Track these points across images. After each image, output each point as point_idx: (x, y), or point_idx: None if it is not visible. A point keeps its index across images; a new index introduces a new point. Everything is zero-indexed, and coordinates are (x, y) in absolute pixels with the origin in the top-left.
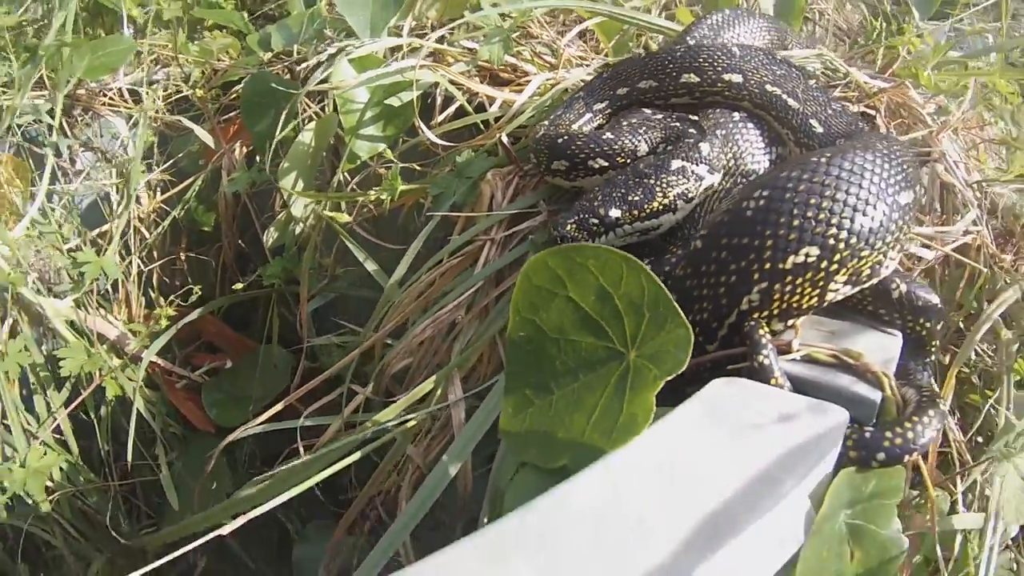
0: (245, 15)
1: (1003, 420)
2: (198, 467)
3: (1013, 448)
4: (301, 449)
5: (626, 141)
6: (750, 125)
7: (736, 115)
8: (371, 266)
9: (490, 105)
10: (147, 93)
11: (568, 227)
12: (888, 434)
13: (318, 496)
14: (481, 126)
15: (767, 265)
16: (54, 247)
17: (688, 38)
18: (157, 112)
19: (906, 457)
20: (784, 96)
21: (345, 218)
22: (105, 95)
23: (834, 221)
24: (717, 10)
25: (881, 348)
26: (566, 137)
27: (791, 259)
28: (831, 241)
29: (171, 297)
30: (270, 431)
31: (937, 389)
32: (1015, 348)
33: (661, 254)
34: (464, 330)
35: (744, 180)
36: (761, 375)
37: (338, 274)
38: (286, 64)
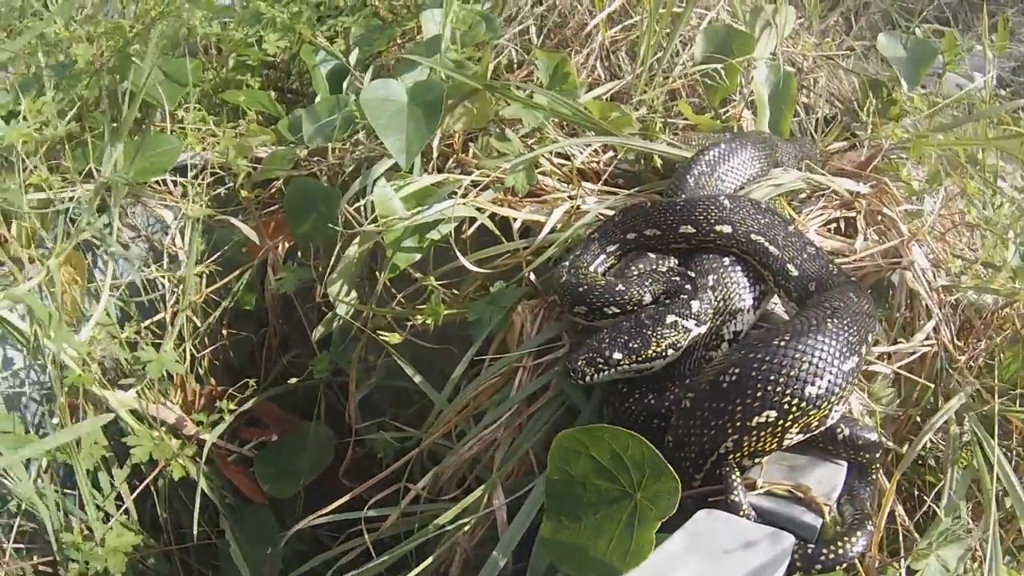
0: (272, 94)
1: (945, 502)
2: (252, 533)
3: (942, 541)
4: (366, 534)
5: (634, 293)
6: (738, 268)
7: (726, 260)
8: (421, 381)
9: (514, 221)
10: (192, 187)
11: (579, 363)
12: (825, 550)
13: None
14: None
15: (738, 423)
16: (115, 339)
17: (688, 176)
18: (201, 206)
19: (838, 567)
20: (766, 244)
21: (396, 339)
22: (150, 185)
23: (788, 392)
24: (713, 144)
25: (828, 478)
26: (586, 287)
27: (756, 419)
28: (786, 406)
29: (229, 390)
30: (317, 497)
31: (871, 507)
32: (962, 441)
33: (661, 389)
34: (502, 444)
35: (731, 318)
36: (733, 509)
37: (377, 365)
38: (323, 165)
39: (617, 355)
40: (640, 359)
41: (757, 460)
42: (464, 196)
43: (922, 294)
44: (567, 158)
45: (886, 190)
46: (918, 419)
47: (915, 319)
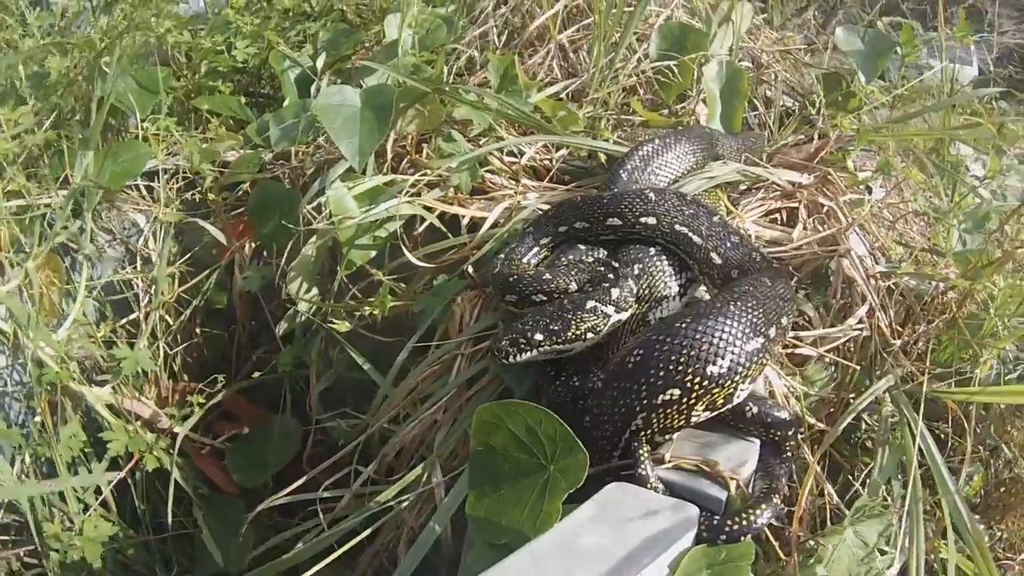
0: (242, 98)
1: (871, 481)
2: (224, 521)
3: (860, 517)
4: (321, 514)
5: (560, 281)
6: (663, 258)
7: (652, 250)
8: (369, 368)
9: (462, 218)
10: (163, 192)
11: (504, 342)
12: (729, 522)
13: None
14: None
15: (644, 401)
16: (91, 339)
17: (621, 171)
18: (172, 210)
19: (743, 537)
20: (690, 234)
21: (345, 327)
22: (123, 190)
23: (690, 370)
24: (648, 140)
25: (738, 454)
26: (516, 276)
27: (660, 397)
28: (688, 384)
29: (199, 385)
30: (284, 486)
31: (784, 483)
32: (891, 421)
33: (586, 372)
34: (443, 425)
35: (657, 304)
36: (640, 482)
37: (335, 358)
38: (287, 168)
39: (538, 336)
40: (560, 341)
41: (668, 436)
42: (418, 195)
43: (858, 280)
44: (519, 156)
45: (830, 180)
46: (851, 401)
47: (851, 305)
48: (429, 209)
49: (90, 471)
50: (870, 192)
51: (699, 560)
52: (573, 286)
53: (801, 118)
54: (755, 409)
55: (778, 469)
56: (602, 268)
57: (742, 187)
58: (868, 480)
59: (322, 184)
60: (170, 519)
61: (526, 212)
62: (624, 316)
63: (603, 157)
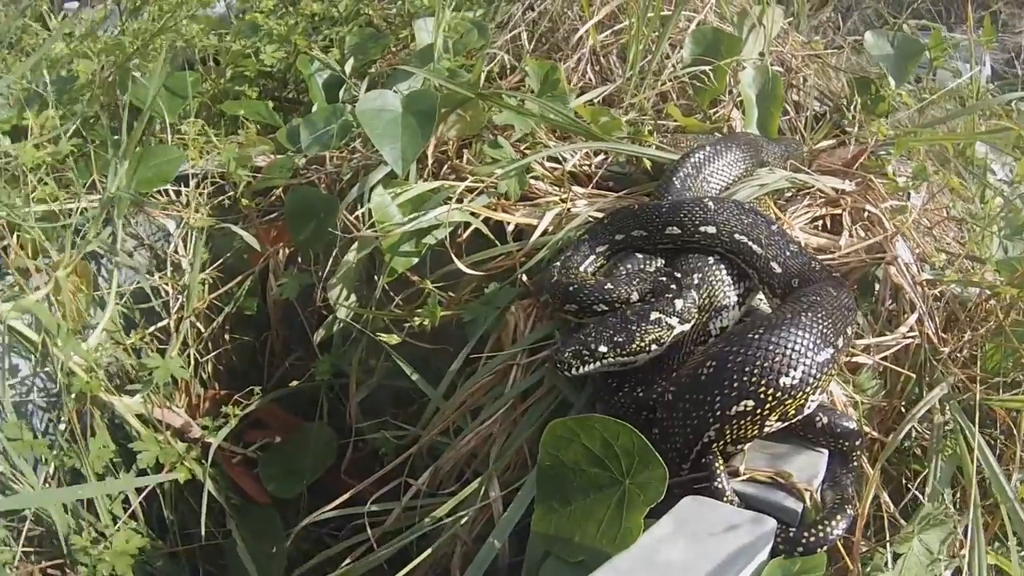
0: (269, 104)
1: (929, 489)
2: (257, 532)
3: (924, 526)
4: (369, 529)
5: (622, 291)
6: (722, 267)
7: (711, 259)
8: (418, 379)
9: (507, 225)
10: (192, 196)
11: (566, 354)
12: (806, 533)
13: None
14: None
15: (718, 413)
16: (121, 346)
17: (674, 178)
18: (203, 215)
19: (819, 549)
20: (750, 243)
21: (394, 340)
22: (152, 195)
23: (763, 382)
24: (698, 147)
25: (809, 465)
26: (575, 286)
27: (734, 408)
28: (762, 395)
29: (233, 394)
30: (320, 496)
31: (852, 493)
32: (945, 430)
33: (649, 383)
34: (498, 438)
35: (717, 314)
36: (716, 495)
37: (378, 367)
38: (322, 173)
39: (602, 348)
40: (624, 352)
41: (740, 448)
42: (459, 201)
43: (905, 288)
44: (559, 162)
45: (871, 187)
46: (903, 409)
47: (899, 312)
48: (475, 215)
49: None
50: (908, 198)
51: (775, 573)
52: (635, 296)
53: (831, 123)
54: (825, 419)
55: (845, 479)
56: (664, 278)
57: (787, 194)
58: (925, 489)
59: (360, 190)
60: (202, 530)
61: (578, 220)
62: (687, 328)
63: (647, 164)
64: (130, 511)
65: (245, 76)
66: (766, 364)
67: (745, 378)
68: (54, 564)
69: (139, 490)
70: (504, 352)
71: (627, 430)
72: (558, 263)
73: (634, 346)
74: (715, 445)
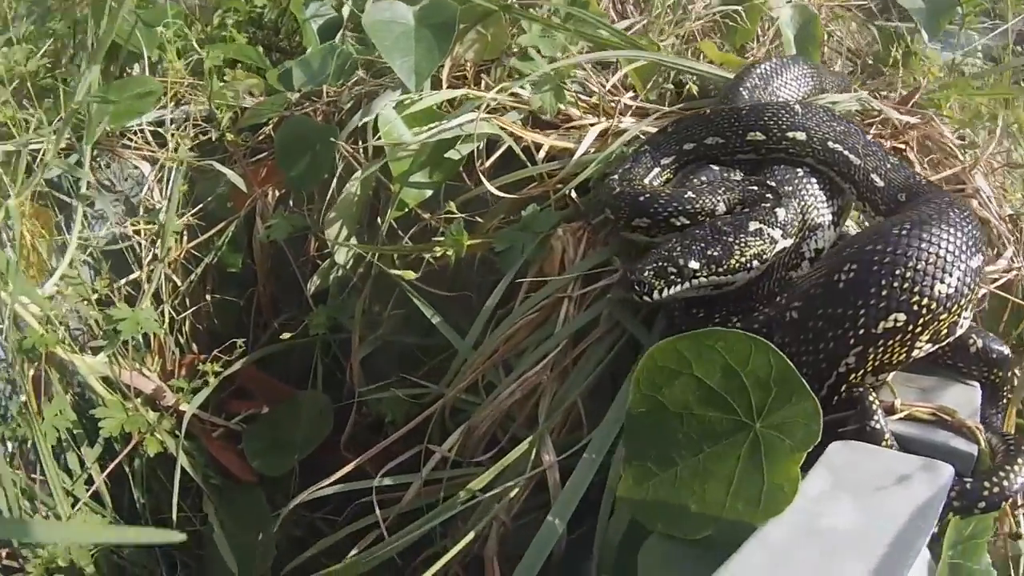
0: (260, 49)
1: None
2: (240, 517)
3: None
4: (379, 512)
5: (707, 201)
6: (813, 180)
7: (800, 171)
8: (440, 323)
9: (536, 151)
10: (172, 135)
11: (646, 273)
12: (986, 484)
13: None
14: (535, 175)
15: (861, 331)
16: (84, 300)
17: (741, 89)
18: (182, 154)
19: (1003, 503)
20: (846, 152)
21: (411, 275)
22: (125, 136)
23: (916, 289)
24: (762, 59)
25: (967, 401)
26: (648, 195)
27: (881, 324)
28: (915, 307)
29: (214, 352)
30: (313, 475)
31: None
32: None
33: (748, 310)
34: (546, 390)
35: (811, 234)
36: (873, 438)
37: (386, 318)
38: (317, 106)
39: (694, 263)
40: (721, 270)
41: (881, 378)
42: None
43: (992, 221)
44: (589, 95)
45: (933, 123)
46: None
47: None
48: (506, 135)
49: (81, 459)
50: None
51: (951, 537)
52: (721, 207)
53: (859, 81)
54: (979, 343)
55: (996, 420)
56: (755, 187)
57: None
58: None
59: (364, 116)
60: (175, 514)
61: (628, 135)
62: (789, 244)
63: (694, 89)
64: (92, 490)
65: (234, 22)
66: (919, 267)
67: (896, 284)
68: (8, 553)
69: (105, 467)
70: (554, 278)
71: (762, 347)
72: (615, 175)
73: (732, 262)
74: (854, 375)
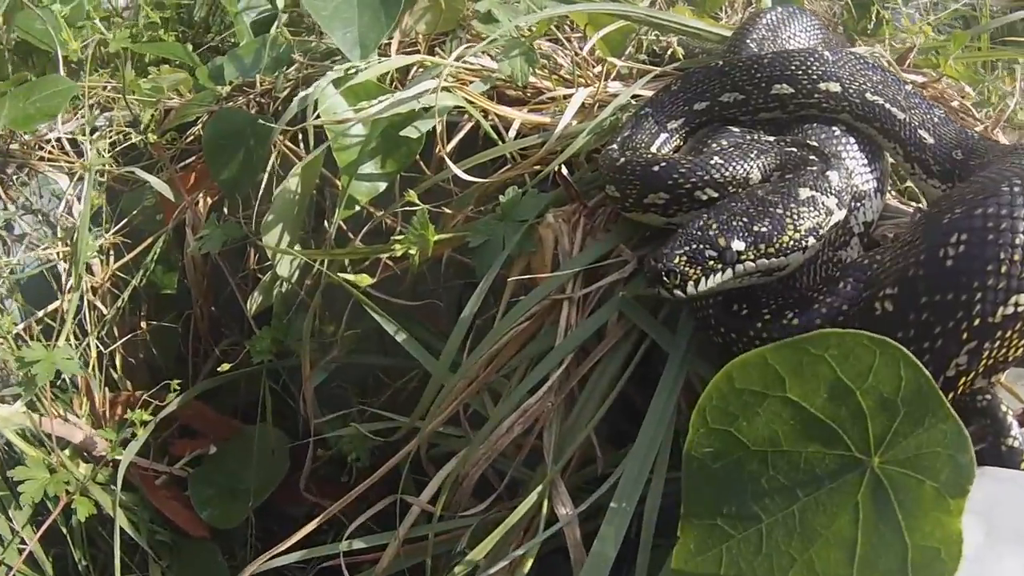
0: (189, 47)
1: None
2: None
3: None
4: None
5: (738, 167)
6: (851, 140)
7: (835, 129)
8: (406, 340)
9: (506, 130)
10: (90, 143)
11: (676, 260)
12: None
13: None
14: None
15: (976, 321)
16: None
17: (748, 40)
18: (104, 165)
19: None
20: (887, 105)
21: (366, 280)
22: (42, 147)
23: None
24: (768, 9)
25: None
26: (664, 164)
27: (1000, 311)
28: None
29: (152, 388)
30: (271, 518)
31: None
32: None
33: (805, 301)
34: (552, 422)
35: (858, 204)
36: (1011, 459)
37: (338, 338)
38: (250, 97)
39: (738, 244)
40: (771, 250)
41: (992, 379)
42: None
43: None
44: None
45: (942, 81)
46: None
47: None
48: (473, 108)
49: (11, 522)
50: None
51: None
52: (756, 175)
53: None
54: None
55: None
56: (793, 148)
57: None
58: None
59: (302, 104)
60: None
61: (620, 100)
62: (843, 216)
63: (680, 52)
64: (25, 554)
65: (160, 20)
66: None
67: (1016, 256)
68: None
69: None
70: (550, 275)
71: (892, 353)
72: (614, 144)
73: (785, 239)
74: (964, 379)
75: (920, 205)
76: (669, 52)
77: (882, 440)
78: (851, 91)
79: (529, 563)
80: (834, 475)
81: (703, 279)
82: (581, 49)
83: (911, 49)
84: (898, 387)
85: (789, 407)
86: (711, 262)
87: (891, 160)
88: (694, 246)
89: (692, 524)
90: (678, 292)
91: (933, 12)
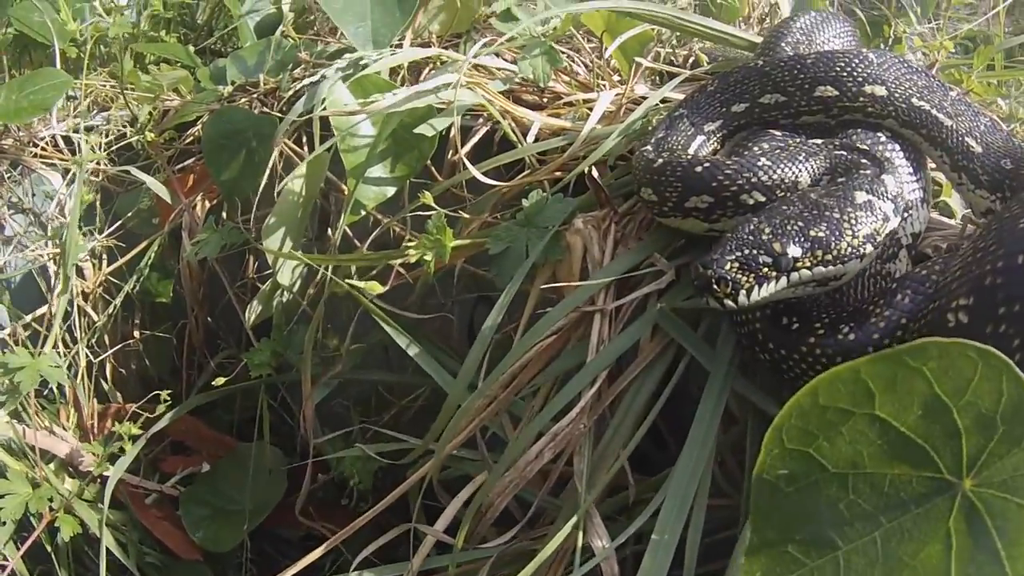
0: (191, 48)
1: None
2: None
3: None
4: None
5: (787, 170)
6: (897, 147)
7: (881, 135)
8: (420, 354)
9: (524, 134)
10: (85, 140)
11: (728, 266)
12: None
13: None
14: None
15: None
16: None
17: (782, 43)
18: (98, 163)
19: None
20: (934, 111)
21: (378, 288)
22: (36, 145)
23: None
24: (800, 13)
25: None
26: (708, 165)
27: None
28: None
29: (142, 400)
30: (266, 540)
31: None
32: None
33: (861, 315)
34: (583, 446)
35: (906, 214)
36: None
37: (343, 351)
38: (253, 97)
39: (794, 250)
40: (829, 257)
41: None
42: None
43: None
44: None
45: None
46: None
47: None
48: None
49: None
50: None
51: None
52: (805, 179)
53: None
54: None
55: None
56: (844, 152)
57: None
58: None
59: (309, 102)
60: None
61: (649, 102)
62: (897, 224)
63: (703, 59)
64: (8, 571)
65: (163, 19)
66: None
67: None
68: None
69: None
70: (574, 291)
71: (997, 365)
72: (648, 146)
73: (844, 245)
74: None
75: (967, 213)
76: (691, 61)
77: (975, 461)
78: (897, 95)
79: None
80: (921, 499)
81: (756, 288)
82: (599, 57)
83: (932, 65)
84: (998, 403)
85: (876, 426)
86: (765, 269)
87: (936, 169)
88: (746, 251)
89: (761, 553)
90: (729, 302)
91: (946, 32)
